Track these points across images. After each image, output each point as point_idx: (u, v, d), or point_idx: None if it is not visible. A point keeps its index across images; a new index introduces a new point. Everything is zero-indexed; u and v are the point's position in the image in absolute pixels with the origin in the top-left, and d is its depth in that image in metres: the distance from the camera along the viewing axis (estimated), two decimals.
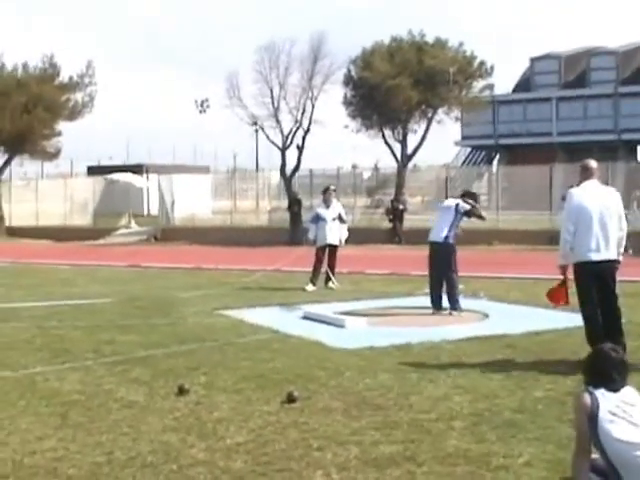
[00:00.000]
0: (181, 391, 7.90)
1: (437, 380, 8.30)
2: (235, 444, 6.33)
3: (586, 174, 9.21)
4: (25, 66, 42.99)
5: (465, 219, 13.98)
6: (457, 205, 13.59)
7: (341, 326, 11.84)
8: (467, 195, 14.19)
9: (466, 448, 6.09)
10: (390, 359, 9.44)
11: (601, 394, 4.93)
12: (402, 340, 10.46)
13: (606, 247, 8.96)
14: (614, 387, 4.97)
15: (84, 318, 12.97)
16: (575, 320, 10.39)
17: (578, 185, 9.30)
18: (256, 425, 6.82)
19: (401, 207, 35.03)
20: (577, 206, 9.02)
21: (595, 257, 8.94)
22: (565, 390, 7.82)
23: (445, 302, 13.39)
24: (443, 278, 13.42)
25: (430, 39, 38.18)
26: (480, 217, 14.30)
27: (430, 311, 13.39)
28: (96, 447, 6.34)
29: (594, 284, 9.03)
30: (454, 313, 13.21)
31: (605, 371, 5.00)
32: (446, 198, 36.77)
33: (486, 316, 12.97)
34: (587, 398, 4.92)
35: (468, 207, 13.66)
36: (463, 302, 13.57)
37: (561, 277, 9.47)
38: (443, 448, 6.12)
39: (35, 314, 13.48)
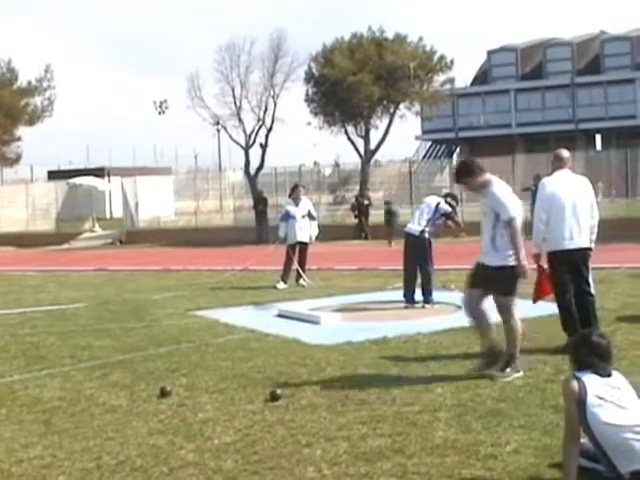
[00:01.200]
0: (163, 393, 7.89)
1: (417, 373, 8.37)
2: (224, 444, 6.34)
3: (558, 164, 9.33)
4: None
5: (440, 221, 14.02)
6: (438, 204, 13.71)
7: (316, 323, 11.88)
8: (450, 196, 14.38)
9: (454, 439, 6.15)
10: (369, 354, 9.49)
11: (588, 379, 5.01)
12: (378, 335, 10.52)
13: (579, 235, 9.08)
14: (601, 372, 5.05)
15: (58, 324, 12.88)
16: (548, 308, 10.51)
17: (550, 174, 9.42)
18: (242, 424, 6.83)
19: (366, 202, 35.13)
20: (550, 195, 9.13)
21: (569, 245, 9.06)
22: (544, 377, 7.92)
23: (418, 296, 13.47)
24: (418, 271, 13.52)
25: (390, 35, 38.39)
26: (457, 224, 14.39)
27: (403, 305, 13.47)
28: (84, 453, 6.32)
29: (568, 272, 9.15)
30: (427, 306, 13.30)
31: (591, 356, 5.08)
32: (410, 192, 37.32)
33: (459, 308, 13.04)
34: (575, 384, 4.99)
35: (449, 210, 13.80)
36: (434, 295, 13.65)
37: (536, 266, 9.55)
38: (431, 439, 6.18)
39: (7, 322, 13.36)
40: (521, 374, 8.00)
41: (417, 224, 13.53)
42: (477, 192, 8.40)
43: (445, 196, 14.41)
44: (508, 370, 8.06)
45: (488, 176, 8.33)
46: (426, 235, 13.53)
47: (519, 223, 8.05)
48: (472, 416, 6.71)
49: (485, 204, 8.31)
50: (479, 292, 8.28)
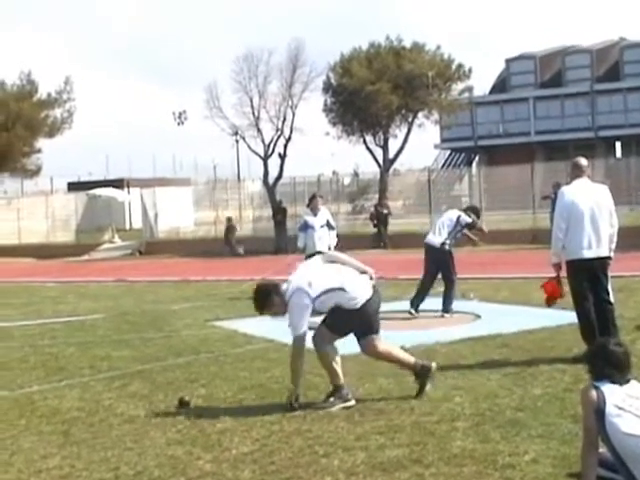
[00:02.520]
0: (181, 404, 7.90)
1: (435, 382, 8.33)
2: (241, 454, 6.34)
3: (577, 172, 9.29)
4: (2, 84, 42.85)
5: (461, 234, 14.01)
6: (459, 217, 13.72)
7: None
8: (470, 210, 14.36)
9: (472, 448, 6.13)
10: (386, 363, 9.44)
11: (607, 388, 4.98)
12: (396, 344, 10.46)
13: (598, 244, 9.04)
14: (619, 381, 5.02)
15: (77, 335, 12.95)
16: (567, 317, 10.48)
17: (569, 183, 9.39)
18: (260, 435, 6.83)
19: (385, 212, 35.12)
20: (569, 204, 9.09)
21: (587, 254, 9.01)
22: (563, 387, 7.88)
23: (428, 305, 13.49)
24: (432, 282, 13.56)
25: (408, 44, 38.38)
26: (481, 230, 14.44)
27: (421, 314, 13.45)
28: (102, 463, 6.34)
29: (587, 281, 9.10)
30: (446, 315, 13.28)
31: (610, 365, 5.05)
32: (429, 201, 37.24)
33: (478, 317, 13.03)
34: (593, 393, 4.96)
35: (470, 220, 13.82)
36: (453, 304, 13.63)
37: (554, 275, 9.52)
38: (448, 449, 6.15)
39: (27, 333, 13.44)
40: (352, 403, 7.64)
41: (438, 235, 13.54)
42: None
43: (466, 210, 14.40)
44: (331, 399, 7.68)
45: None
46: (447, 247, 13.54)
47: None
48: (490, 425, 6.68)
49: None
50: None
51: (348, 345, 10.59)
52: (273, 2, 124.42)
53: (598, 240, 9.03)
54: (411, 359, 8.06)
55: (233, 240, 35.92)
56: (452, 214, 13.95)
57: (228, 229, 36.75)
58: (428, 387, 7.82)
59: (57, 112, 43.32)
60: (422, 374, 7.85)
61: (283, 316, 7.71)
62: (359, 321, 7.75)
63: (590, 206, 9.04)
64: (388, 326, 12.67)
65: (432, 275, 13.72)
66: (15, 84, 42.97)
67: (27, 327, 14.16)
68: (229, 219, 37.75)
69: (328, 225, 17.65)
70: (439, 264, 13.59)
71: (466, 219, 13.79)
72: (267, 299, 7.77)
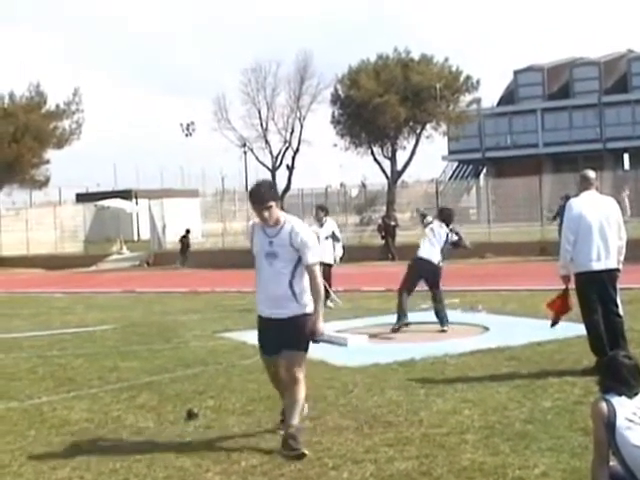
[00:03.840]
0: (190, 415, 7.90)
1: (445, 395, 8.33)
2: (250, 466, 6.34)
3: (585, 184, 9.30)
4: (12, 95, 43.06)
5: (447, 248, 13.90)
6: (447, 235, 13.56)
7: (343, 344, 11.85)
8: (445, 213, 14.05)
9: (481, 461, 6.12)
10: (396, 375, 9.47)
11: (617, 401, 4.97)
12: (405, 356, 10.49)
13: (607, 256, 9.03)
14: (629, 394, 5.01)
15: (85, 346, 12.96)
16: (575, 329, 10.46)
17: (577, 195, 9.39)
18: (269, 446, 6.83)
19: (393, 223, 35.10)
20: (577, 216, 9.09)
21: (596, 266, 9.01)
22: (573, 399, 7.86)
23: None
24: (411, 293, 13.46)
25: (415, 56, 38.50)
26: (465, 247, 14.32)
27: (434, 327, 13.38)
28: (111, 475, 6.34)
29: (596, 293, 9.09)
30: (445, 328, 13.15)
31: (620, 378, 5.04)
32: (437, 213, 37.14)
33: (486, 329, 13.01)
34: (604, 406, 4.95)
35: (456, 239, 13.71)
36: (462, 316, 13.60)
37: (562, 287, 9.51)
38: (458, 462, 6.14)
39: (36, 344, 13.45)
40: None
41: (431, 252, 13.37)
42: None
43: (440, 212, 14.21)
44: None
45: None
46: (440, 264, 13.45)
47: None
48: (500, 438, 6.67)
49: None
50: None
51: (358, 357, 10.64)
52: (281, 14, 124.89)
53: (607, 252, 9.03)
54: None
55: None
56: (439, 229, 13.71)
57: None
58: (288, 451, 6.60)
59: (66, 123, 43.57)
60: (287, 438, 6.63)
61: (271, 226, 6.85)
62: None
63: (599, 218, 9.04)
64: (398, 338, 12.73)
65: (412, 289, 13.58)
66: (24, 95, 43.19)
67: (36, 338, 14.17)
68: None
69: (333, 237, 17.66)
70: (431, 278, 13.41)
71: (453, 237, 13.67)
72: (275, 192, 7.21)
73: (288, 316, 6.85)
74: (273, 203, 6.85)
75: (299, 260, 6.83)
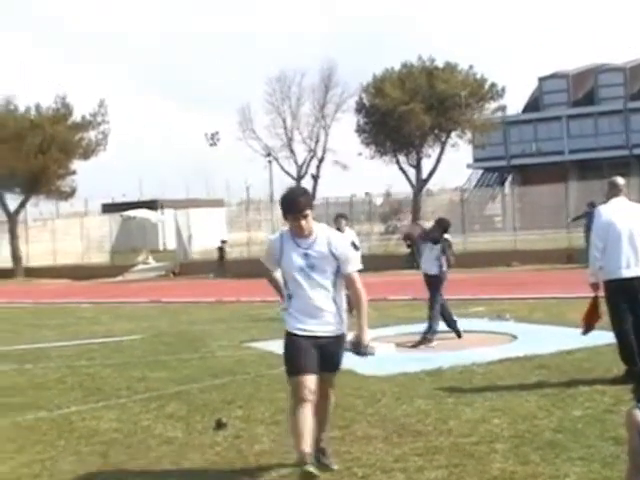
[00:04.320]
0: (219, 425, 7.90)
1: (473, 403, 8.29)
2: (279, 476, 6.33)
3: (614, 191, 9.24)
4: (38, 107, 43.40)
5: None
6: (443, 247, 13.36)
7: (371, 353, 11.79)
8: (442, 224, 13.86)
9: (512, 470, 6.08)
10: (424, 384, 9.44)
11: None
12: (433, 365, 10.46)
13: (636, 263, 8.96)
14: None
15: (113, 356, 13.01)
16: (604, 337, 10.37)
17: (605, 202, 9.34)
18: None
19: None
20: (606, 223, 9.04)
21: (626, 274, 8.94)
22: (603, 408, 7.79)
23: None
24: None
25: (440, 63, 38.46)
26: (448, 260, 13.88)
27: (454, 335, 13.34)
28: None
29: (625, 301, 9.02)
30: (429, 337, 12.94)
31: None
32: (462, 221, 37.06)
33: (514, 337, 12.95)
34: (638, 415, 4.91)
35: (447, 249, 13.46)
36: (489, 325, 13.53)
37: (591, 295, 9.45)
38: (488, 471, 6.11)
39: (64, 354, 13.53)
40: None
41: (432, 265, 13.23)
42: None
43: (438, 222, 13.94)
44: None
45: None
46: (444, 269, 13.31)
47: None
48: (530, 447, 6.63)
49: None
50: None
51: (386, 366, 10.60)
52: (305, 24, 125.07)
53: (637, 259, 8.96)
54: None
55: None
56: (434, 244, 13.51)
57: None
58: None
59: (92, 134, 43.82)
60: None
61: (304, 236, 6.38)
62: None
63: (628, 225, 8.98)
64: (425, 347, 12.68)
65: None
66: (50, 107, 43.50)
67: (64, 348, 14.25)
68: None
69: (353, 246, 17.55)
70: (433, 288, 13.30)
71: (445, 246, 13.43)
72: (310, 199, 6.62)
73: (334, 334, 6.44)
74: (309, 211, 6.34)
75: (338, 270, 6.41)
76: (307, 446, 5.98)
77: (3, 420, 8.74)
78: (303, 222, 6.30)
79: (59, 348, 14.26)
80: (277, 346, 12.88)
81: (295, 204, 6.34)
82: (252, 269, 35.15)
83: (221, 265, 36.55)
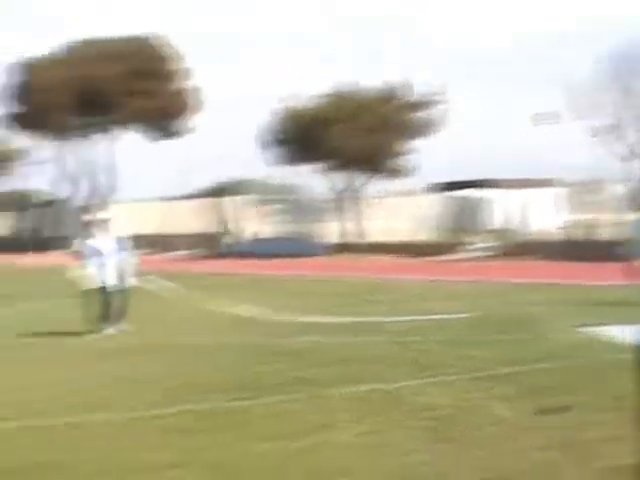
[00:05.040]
0: (548, 410, 7.71)
1: None
2: (616, 466, 6.04)
3: None
4: (371, 89, 44.83)
5: None
6: None
7: None
8: None
9: None
10: None
11: None
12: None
13: None
14: None
15: (442, 333, 13.14)
16: None
17: None
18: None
19: None
20: None
21: None
22: None
23: None
24: None
25: None
26: None
27: None
28: (474, 463, 6.31)
29: None
30: None
31: None
32: None
33: None
34: None
35: None
36: None
37: None
38: None
39: (396, 329, 13.86)
40: None
41: None
42: None
43: None
44: None
45: None
46: None
47: None
48: None
49: None
50: None
51: None
52: None
53: None
54: None
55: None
56: None
57: None
58: None
59: (427, 114, 44.79)
60: None
61: None
62: None
63: None
64: None
65: None
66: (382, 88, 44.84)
67: (396, 323, 14.59)
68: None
69: None
70: None
71: None
72: None
73: None
74: None
75: None
76: None
77: (338, 390, 9.05)
78: None
79: (392, 323, 14.63)
80: (618, 332, 12.24)
81: None
82: (577, 250, 34.09)
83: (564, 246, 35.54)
